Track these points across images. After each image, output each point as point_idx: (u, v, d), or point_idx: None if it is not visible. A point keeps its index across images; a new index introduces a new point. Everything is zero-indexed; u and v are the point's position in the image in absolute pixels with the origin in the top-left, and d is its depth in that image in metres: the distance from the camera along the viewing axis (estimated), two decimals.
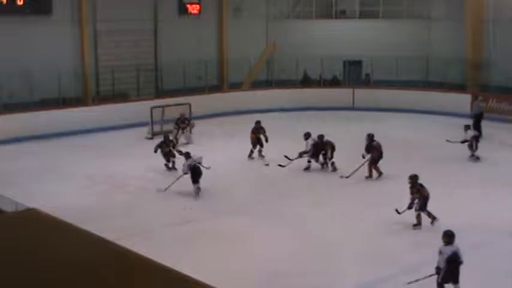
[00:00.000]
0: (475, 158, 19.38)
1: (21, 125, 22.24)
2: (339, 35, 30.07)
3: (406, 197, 15.69)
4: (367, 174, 17.45)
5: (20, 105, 23.38)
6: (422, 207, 13.69)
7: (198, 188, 15.85)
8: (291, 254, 12.18)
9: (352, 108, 27.35)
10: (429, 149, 21.03)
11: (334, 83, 29.70)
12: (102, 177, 17.76)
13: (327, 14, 30.97)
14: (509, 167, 18.79)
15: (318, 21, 30.78)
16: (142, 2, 27.58)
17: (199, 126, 23.09)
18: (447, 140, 20.06)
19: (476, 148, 19.37)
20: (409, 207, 13.60)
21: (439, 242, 10.43)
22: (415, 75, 28.52)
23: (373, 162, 17.37)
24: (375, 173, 17.59)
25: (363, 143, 17.80)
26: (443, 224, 13.67)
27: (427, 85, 28.43)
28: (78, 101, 25.56)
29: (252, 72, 30.33)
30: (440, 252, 10.23)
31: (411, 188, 13.78)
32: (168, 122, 22.94)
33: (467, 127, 19.83)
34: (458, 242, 10.43)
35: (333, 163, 18.31)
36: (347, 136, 21.85)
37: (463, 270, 10.41)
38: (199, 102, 24.67)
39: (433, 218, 13.69)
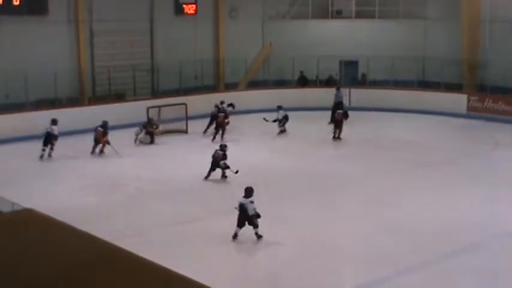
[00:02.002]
0: (280, 132, 22.82)
1: (17, 125, 22.20)
2: (335, 35, 30.12)
3: (405, 197, 15.76)
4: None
5: (16, 106, 23.35)
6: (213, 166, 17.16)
7: (43, 151, 19.61)
8: (290, 255, 12.17)
9: (349, 108, 27.34)
10: (426, 148, 21.05)
11: (330, 82, 29.71)
12: (99, 178, 17.74)
13: (323, 14, 30.98)
14: (506, 166, 18.83)
15: (314, 22, 30.79)
16: (139, 2, 27.56)
17: (195, 127, 23.09)
18: (264, 119, 22.82)
19: (283, 125, 22.91)
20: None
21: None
22: (411, 75, 28.56)
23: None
24: None
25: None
26: (443, 223, 13.72)
27: (423, 85, 28.49)
28: (74, 101, 25.54)
29: (249, 72, 30.35)
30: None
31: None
32: (164, 122, 22.95)
33: (279, 107, 23.08)
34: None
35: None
36: (344, 135, 21.91)
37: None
38: (195, 102, 24.66)
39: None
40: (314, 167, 18.71)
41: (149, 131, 21.89)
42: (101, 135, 20.37)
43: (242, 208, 12.80)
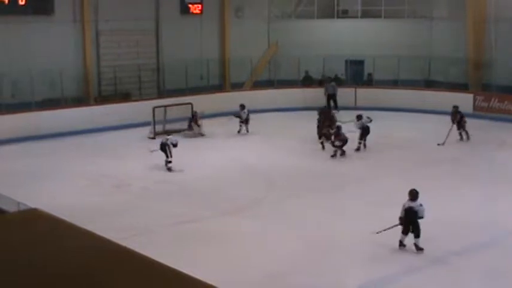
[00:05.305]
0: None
1: (23, 125, 22.27)
2: (341, 34, 30.09)
3: (407, 196, 15.73)
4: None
5: (22, 105, 23.42)
6: None
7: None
8: (291, 254, 12.18)
9: (355, 108, 27.32)
10: (431, 148, 21.01)
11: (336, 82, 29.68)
12: (104, 177, 17.77)
13: (328, 13, 30.96)
14: (511, 166, 18.77)
15: (320, 21, 30.78)
16: (144, 2, 27.60)
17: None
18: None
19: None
20: None
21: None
22: (417, 74, 28.52)
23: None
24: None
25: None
26: (445, 223, 13.70)
27: (429, 84, 28.45)
28: (80, 101, 25.60)
29: (254, 72, 30.35)
30: (403, 205, 12.10)
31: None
32: (170, 122, 22.98)
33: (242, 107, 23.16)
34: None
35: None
36: (348, 134, 21.86)
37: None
38: (201, 102, 24.67)
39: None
40: (317, 166, 18.69)
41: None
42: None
43: (410, 212, 11.95)
